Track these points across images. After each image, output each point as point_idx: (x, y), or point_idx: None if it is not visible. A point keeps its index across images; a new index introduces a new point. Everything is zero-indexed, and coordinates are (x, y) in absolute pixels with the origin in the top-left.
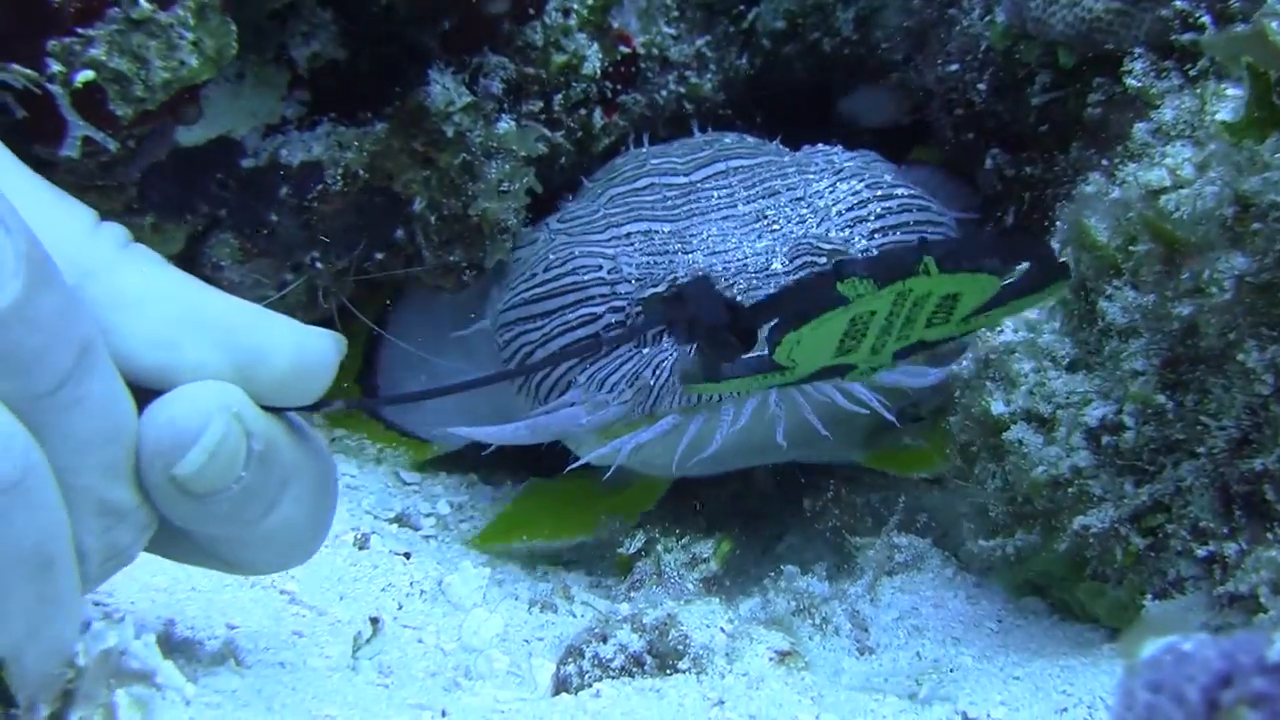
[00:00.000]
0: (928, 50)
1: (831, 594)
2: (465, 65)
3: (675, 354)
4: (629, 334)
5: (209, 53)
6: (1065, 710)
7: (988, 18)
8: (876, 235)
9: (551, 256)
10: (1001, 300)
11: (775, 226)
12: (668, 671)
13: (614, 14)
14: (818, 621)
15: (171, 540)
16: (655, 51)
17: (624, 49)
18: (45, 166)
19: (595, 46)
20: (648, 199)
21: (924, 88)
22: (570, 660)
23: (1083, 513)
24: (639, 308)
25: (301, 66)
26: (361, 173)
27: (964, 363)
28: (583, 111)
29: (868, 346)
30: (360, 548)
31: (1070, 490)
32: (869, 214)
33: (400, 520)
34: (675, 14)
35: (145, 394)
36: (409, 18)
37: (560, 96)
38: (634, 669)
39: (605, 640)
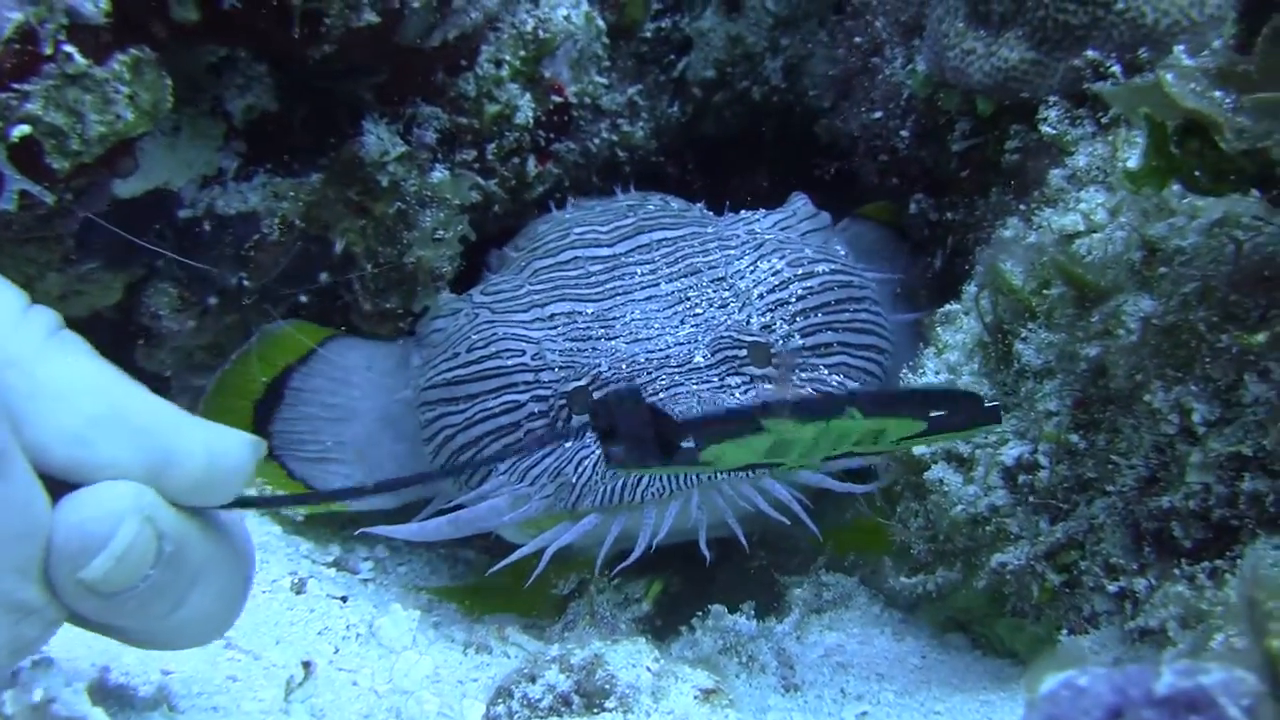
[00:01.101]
0: (853, 98)
1: (758, 632)
2: (399, 116)
3: (597, 451)
4: (554, 435)
5: (145, 107)
6: None
7: (909, 66)
8: (798, 319)
9: (475, 336)
10: (929, 432)
11: (697, 311)
12: (595, 711)
13: (546, 64)
14: (744, 659)
15: (84, 619)
16: (588, 100)
17: (556, 98)
18: None
19: (528, 96)
20: (571, 274)
21: (849, 134)
22: (500, 701)
23: (1000, 550)
24: (563, 401)
25: (237, 119)
26: (298, 222)
27: None
28: (516, 160)
29: (794, 457)
30: (297, 592)
31: (988, 528)
32: (790, 295)
33: (338, 564)
34: (607, 64)
35: (60, 484)
36: (343, 70)
37: (494, 145)
38: (562, 709)
39: (534, 680)
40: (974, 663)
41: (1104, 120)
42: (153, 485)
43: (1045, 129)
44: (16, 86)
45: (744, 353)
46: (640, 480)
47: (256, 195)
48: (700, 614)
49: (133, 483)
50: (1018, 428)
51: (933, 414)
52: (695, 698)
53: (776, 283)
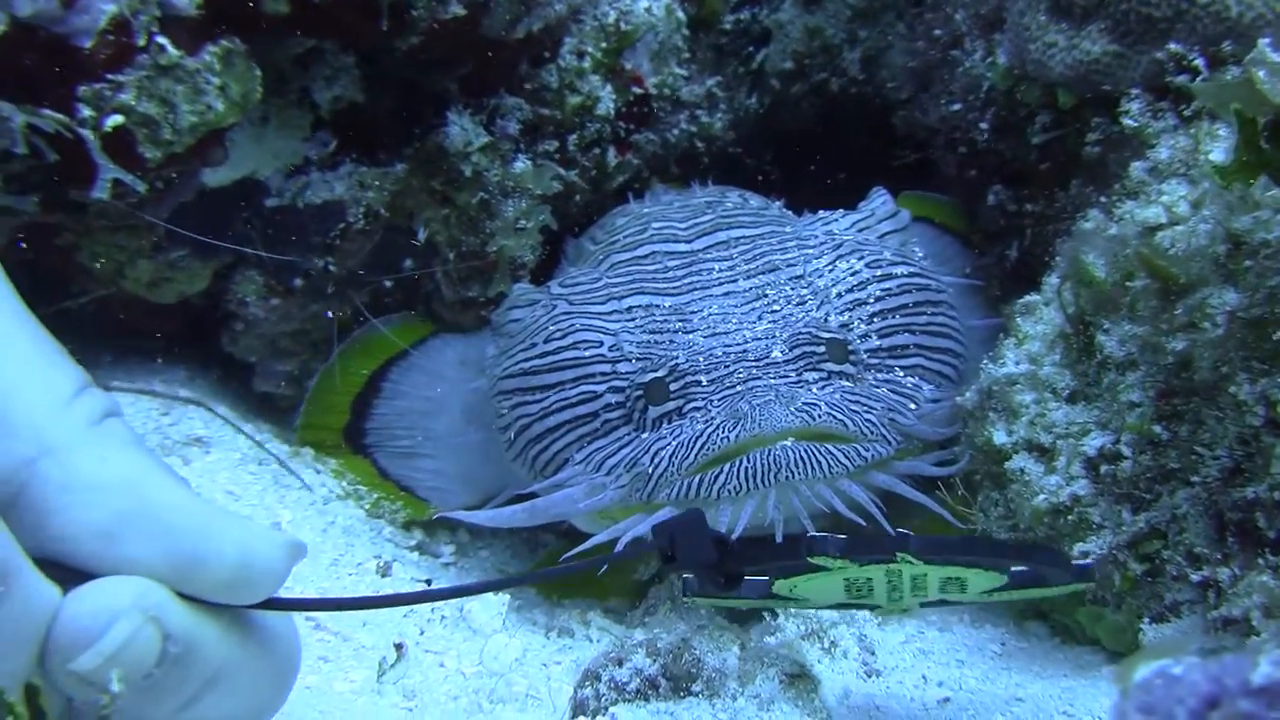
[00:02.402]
0: (931, 90)
1: (840, 619)
2: (483, 107)
3: (674, 442)
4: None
5: (234, 97)
6: None
7: (989, 59)
8: (875, 319)
9: (552, 327)
10: (1013, 587)
11: (775, 308)
12: (681, 694)
13: (627, 56)
14: (826, 645)
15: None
16: (667, 92)
17: (637, 90)
18: (76, 207)
19: (609, 88)
20: (649, 269)
21: (928, 126)
22: (587, 684)
23: (1082, 539)
24: (639, 392)
25: (324, 109)
26: (383, 211)
27: (968, 394)
28: (597, 151)
29: (882, 598)
30: (383, 575)
31: (1070, 518)
32: (868, 296)
33: (421, 548)
34: (686, 55)
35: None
36: (428, 62)
37: (575, 137)
38: (649, 692)
39: (621, 664)
40: (1054, 650)
41: (1186, 113)
42: (178, 584)
43: (1127, 121)
44: (111, 77)
45: (822, 349)
46: (717, 477)
47: (342, 185)
48: None
49: (141, 579)
50: (1100, 419)
51: (1009, 566)
52: (781, 682)
53: (855, 283)
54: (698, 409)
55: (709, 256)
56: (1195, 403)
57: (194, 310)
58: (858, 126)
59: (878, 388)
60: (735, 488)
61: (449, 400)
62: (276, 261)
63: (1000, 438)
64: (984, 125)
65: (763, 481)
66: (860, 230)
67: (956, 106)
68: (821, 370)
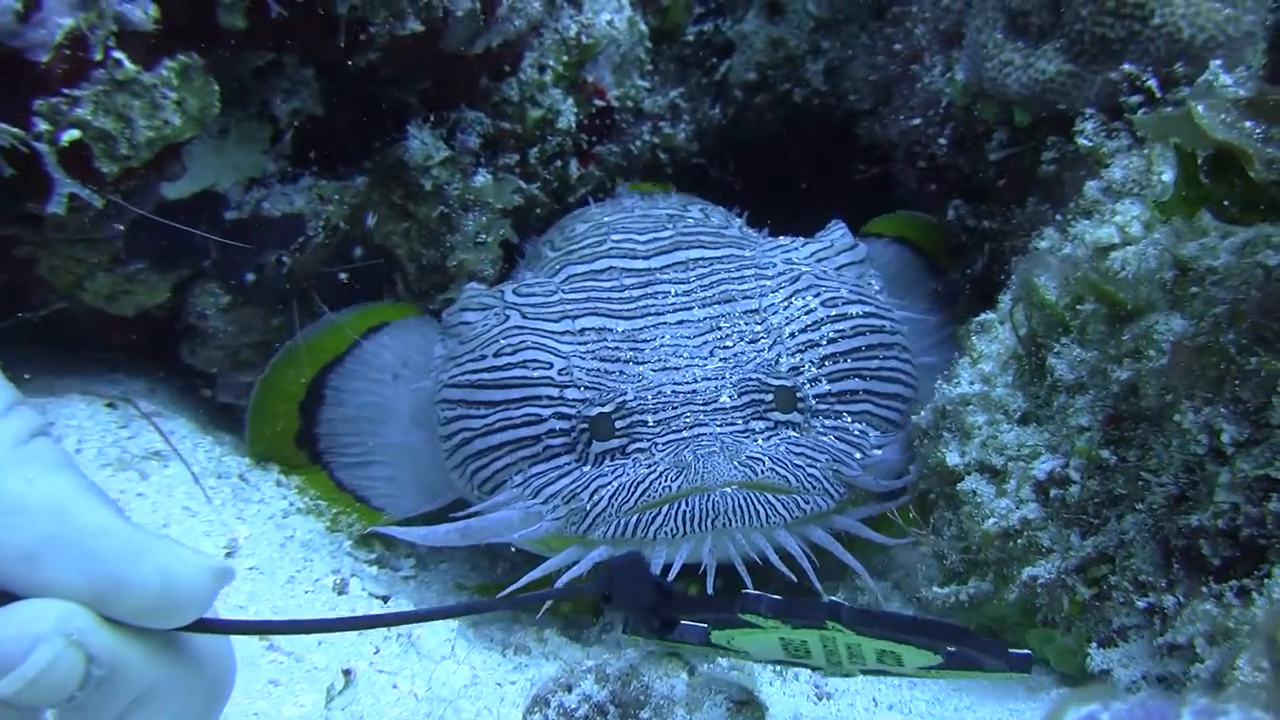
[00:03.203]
0: (892, 104)
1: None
2: (443, 120)
3: (615, 481)
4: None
5: (192, 112)
6: None
7: (948, 75)
8: (827, 363)
9: (503, 341)
10: (949, 668)
11: (727, 343)
12: None
13: (589, 69)
14: (778, 668)
15: None
16: (630, 104)
17: (599, 102)
18: (34, 220)
19: (570, 101)
20: (605, 286)
21: (889, 141)
22: (536, 709)
23: (1031, 563)
24: (585, 425)
25: (283, 122)
26: (342, 224)
27: (922, 413)
28: (559, 163)
29: (821, 661)
30: (339, 593)
31: (1020, 541)
32: (821, 337)
33: (380, 562)
34: (649, 67)
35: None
36: (388, 77)
37: (536, 150)
38: (597, 718)
39: (570, 690)
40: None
41: (1140, 134)
42: (102, 608)
43: (1082, 141)
44: (67, 91)
45: (770, 397)
46: (655, 518)
47: (302, 198)
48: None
49: (63, 603)
50: (1050, 441)
51: (942, 647)
52: (729, 710)
53: (809, 322)
54: (641, 450)
55: (666, 278)
56: (1142, 429)
57: (154, 322)
58: (821, 137)
59: (824, 435)
60: (672, 530)
61: (397, 404)
62: (237, 274)
63: (953, 458)
64: (943, 140)
65: (700, 526)
66: (819, 261)
67: (916, 121)
68: (768, 419)
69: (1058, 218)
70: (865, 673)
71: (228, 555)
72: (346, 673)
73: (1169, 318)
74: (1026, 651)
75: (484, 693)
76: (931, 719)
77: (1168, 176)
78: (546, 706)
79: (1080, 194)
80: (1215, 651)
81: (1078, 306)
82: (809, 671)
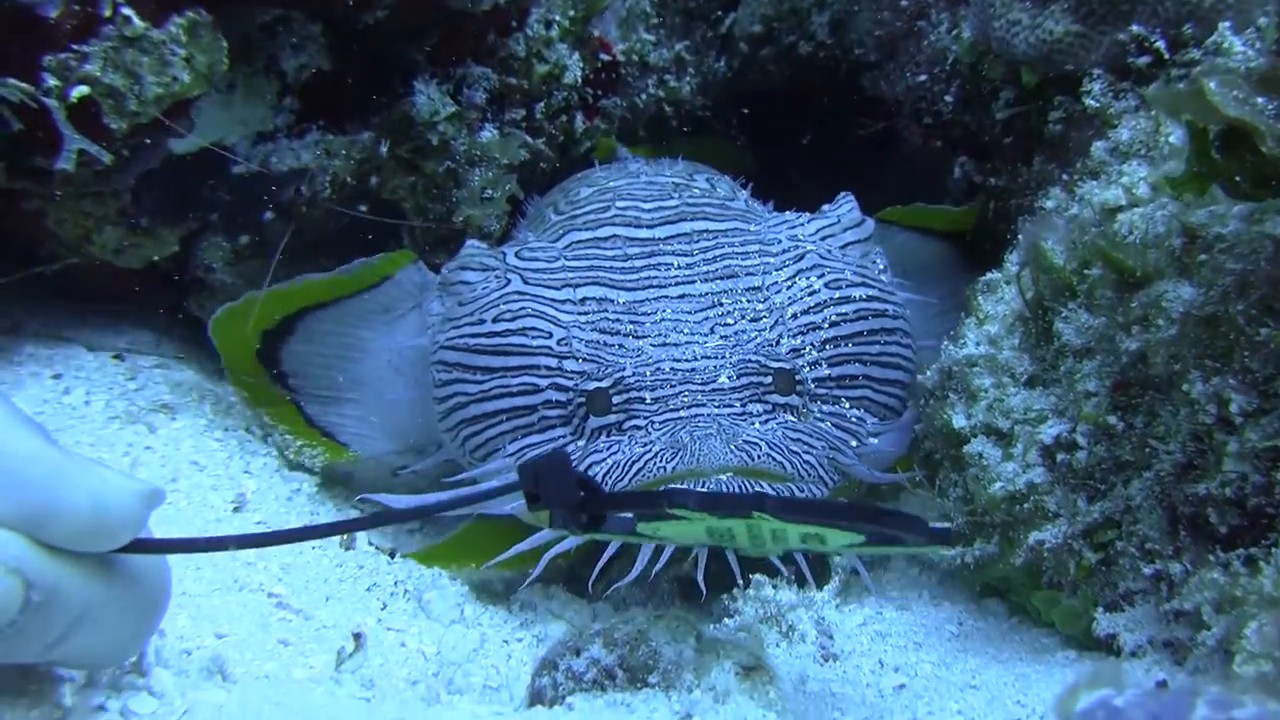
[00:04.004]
0: (898, 59)
1: (799, 601)
2: (450, 76)
3: (610, 458)
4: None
5: (200, 69)
6: None
7: (955, 32)
8: (828, 346)
9: (503, 306)
10: (873, 545)
11: (728, 321)
12: (638, 685)
13: (594, 23)
14: (784, 629)
15: None
16: (635, 58)
17: (604, 57)
18: (42, 174)
19: (576, 56)
20: (607, 255)
21: (894, 97)
22: (545, 672)
23: (1038, 528)
24: (582, 400)
25: (291, 77)
26: (349, 179)
27: (928, 373)
28: (564, 118)
29: (745, 544)
30: (346, 548)
31: (1026, 505)
32: (823, 320)
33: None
34: (655, 20)
35: None
36: (395, 31)
37: (542, 105)
38: (606, 682)
39: (578, 654)
40: (1010, 632)
41: (1145, 95)
42: (34, 534)
43: (1089, 102)
44: (76, 48)
45: (769, 379)
46: None
47: (309, 153)
48: (741, 584)
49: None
50: (1057, 405)
51: (865, 527)
52: (737, 674)
53: (812, 304)
54: (638, 427)
55: (669, 249)
56: (1150, 396)
57: (161, 275)
58: (826, 90)
59: (822, 421)
60: None
61: (374, 344)
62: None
63: (959, 421)
64: (949, 98)
65: None
66: (825, 238)
67: (922, 78)
68: (766, 402)
69: (1064, 178)
70: (787, 551)
71: (235, 510)
72: (357, 636)
73: (1178, 286)
74: (946, 525)
75: (491, 651)
76: (938, 681)
77: (1175, 138)
78: (555, 670)
79: (1087, 154)
80: (1222, 619)
81: (1085, 271)
82: (815, 634)
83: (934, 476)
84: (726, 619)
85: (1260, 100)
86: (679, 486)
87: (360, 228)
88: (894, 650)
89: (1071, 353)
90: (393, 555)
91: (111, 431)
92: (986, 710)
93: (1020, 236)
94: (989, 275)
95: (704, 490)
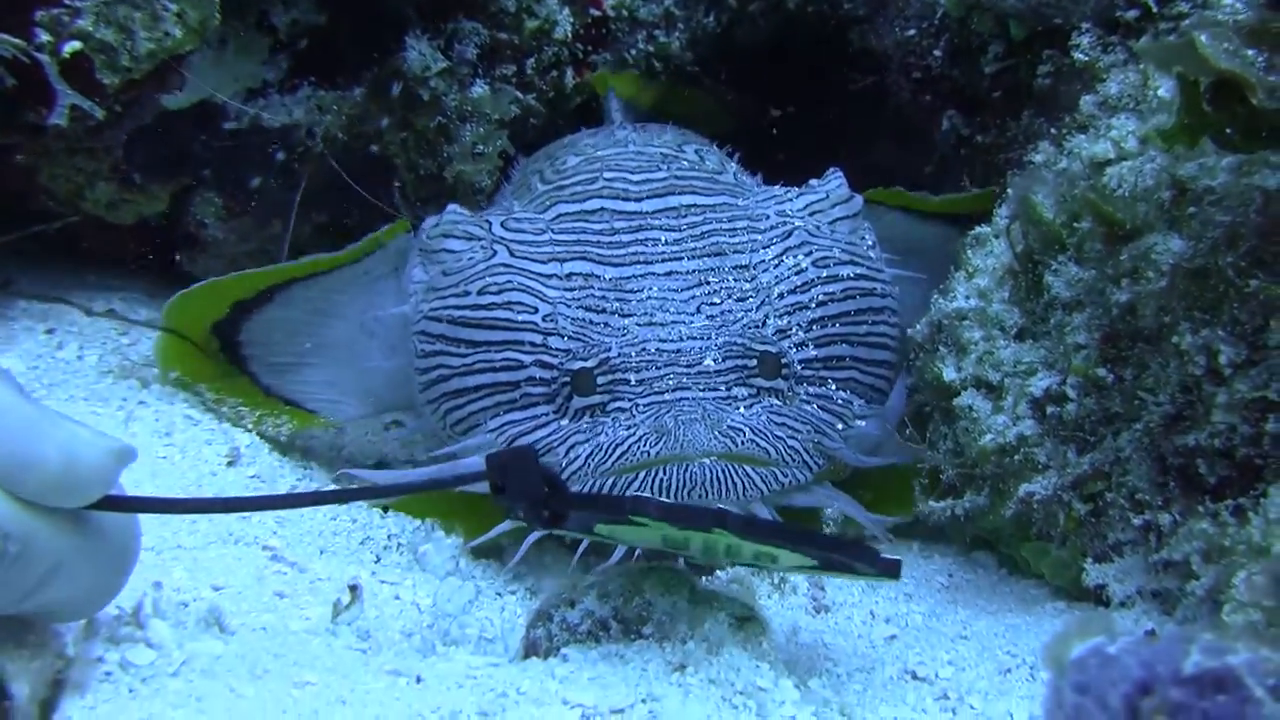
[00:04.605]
0: (886, 13)
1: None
2: (441, 31)
3: (592, 440)
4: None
5: (192, 24)
6: (1009, 671)
7: None
8: (814, 326)
9: (489, 279)
10: (823, 570)
11: (715, 300)
12: (632, 637)
13: None
14: (775, 581)
15: None
16: (625, 13)
17: (594, 12)
18: (34, 129)
19: (566, 11)
20: (595, 229)
21: (883, 51)
22: (539, 624)
23: (1028, 479)
24: (567, 379)
25: (282, 32)
26: (340, 135)
27: (918, 326)
28: (554, 73)
29: (698, 555)
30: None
31: (1016, 457)
32: (810, 300)
33: (380, 467)
34: None
35: None
36: None
37: (533, 60)
38: (600, 633)
39: (573, 605)
40: (999, 583)
41: (1135, 48)
42: (6, 485)
43: (1077, 55)
44: (68, 3)
45: (754, 363)
46: (631, 484)
47: (301, 108)
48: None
49: None
50: (1046, 358)
51: (819, 554)
52: (730, 626)
53: (799, 283)
54: (622, 409)
55: (657, 224)
56: (1139, 348)
57: (153, 231)
58: (815, 45)
59: (807, 404)
60: None
61: (345, 309)
62: (235, 183)
63: (949, 374)
64: (938, 52)
65: (675, 497)
66: (813, 214)
67: (911, 31)
68: (751, 386)
69: (1053, 131)
70: (736, 564)
71: (230, 464)
72: (353, 588)
73: (1167, 238)
74: (897, 559)
75: (485, 603)
76: (929, 632)
77: (1163, 91)
78: (549, 621)
79: (1076, 108)
80: (1211, 569)
81: (1074, 224)
82: (806, 585)
83: (924, 429)
84: (720, 571)
85: (1251, 53)
86: (643, 495)
87: (353, 178)
88: (885, 602)
89: (1061, 305)
90: (386, 510)
91: (105, 386)
92: (977, 660)
93: (1009, 190)
94: (977, 229)
95: (667, 501)
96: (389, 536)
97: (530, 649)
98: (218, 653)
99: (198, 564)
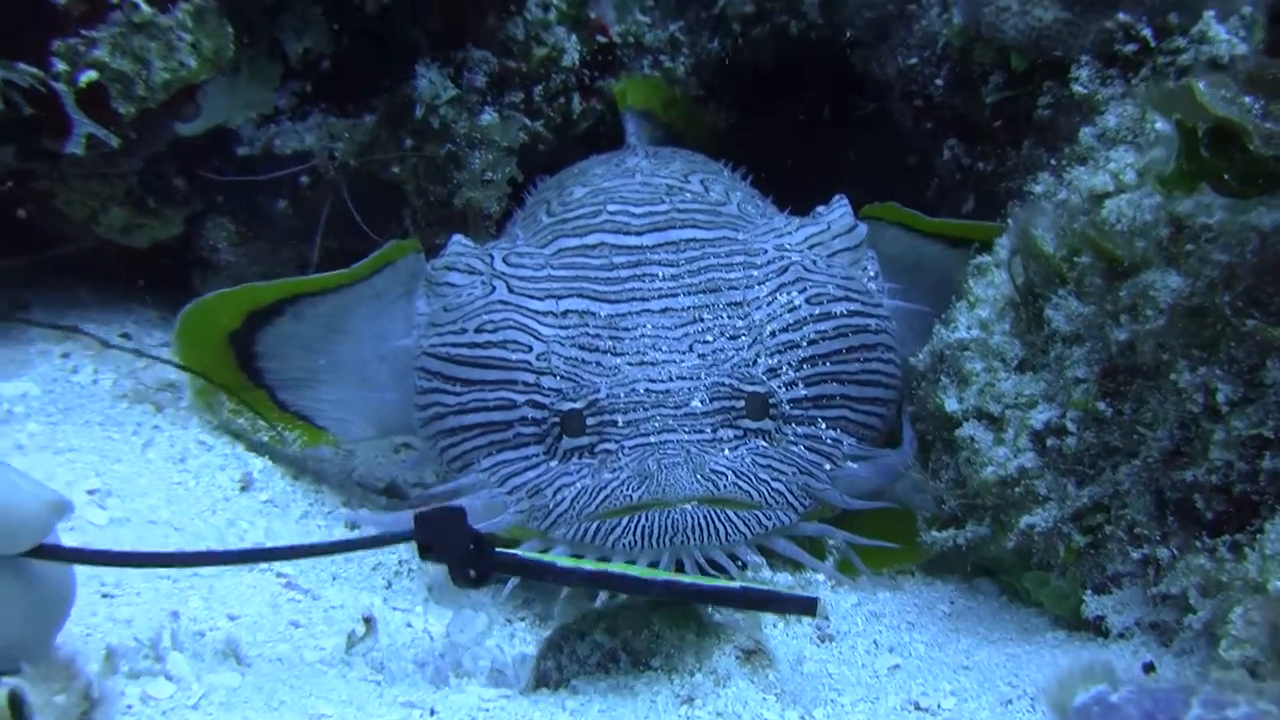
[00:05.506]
0: (889, 42)
1: (794, 583)
2: (450, 60)
3: (580, 482)
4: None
5: (207, 54)
6: (1010, 702)
7: (945, 16)
8: (805, 365)
9: (485, 316)
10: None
11: (707, 338)
12: (640, 669)
13: (591, 6)
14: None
15: None
16: (631, 39)
17: (601, 38)
18: (51, 156)
19: (574, 38)
20: (594, 264)
21: (885, 79)
22: (549, 655)
23: (1029, 511)
24: (556, 420)
25: (294, 60)
26: (351, 161)
27: (920, 355)
28: (562, 100)
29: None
30: (352, 527)
31: (1017, 489)
32: (802, 339)
33: (390, 490)
34: (650, 2)
35: None
36: (398, 15)
37: (540, 87)
38: (609, 665)
39: (582, 638)
40: (1001, 611)
41: (1134, 81)
42: None
43: (1077, 88)
44: (85, 33)
45: (742, 404)
46: (615, 528)
47: (312, 135)
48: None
49: None
50: (1047, 391)
51: (745, 610)
52: (737, 659)
53: (791, 321)
54: (609, 451)
55: (655, 258)
56: (1138, 383)
57: (168, 254)
58: (817, 69)
59: (795, 444)
60: (630, 543)
61: (360, 329)
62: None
63: (951, 404)
64: (939, 80)
65: (658, 542)
66: (813, 246)
67: (913, 60)
68: (738, 427)
69: (1053, 162)
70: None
71: (243, 489)
72: (368, 620)
73: (1166, 275)
74: (814, 596)
75: (495, 630)
76: (931, 661)
77: (1161, 125)
78: (559, 653)
79: (1075, 139)
80: (1208, 603)
81: (1074, 259)
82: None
83: (926, 457)
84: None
85: (1248, 100)
86: (565, 565)
87: (364, 205)
88: (888, 630)
89: (1061, 339)
90: None
91: (119, 411)
92: (979, 690)
93: (1010, 222)
94: (979, 259)
95: (590, 569)
96: (400, 561)
97: (541, 680)
98: (235, 685)
99: (214, 593)
